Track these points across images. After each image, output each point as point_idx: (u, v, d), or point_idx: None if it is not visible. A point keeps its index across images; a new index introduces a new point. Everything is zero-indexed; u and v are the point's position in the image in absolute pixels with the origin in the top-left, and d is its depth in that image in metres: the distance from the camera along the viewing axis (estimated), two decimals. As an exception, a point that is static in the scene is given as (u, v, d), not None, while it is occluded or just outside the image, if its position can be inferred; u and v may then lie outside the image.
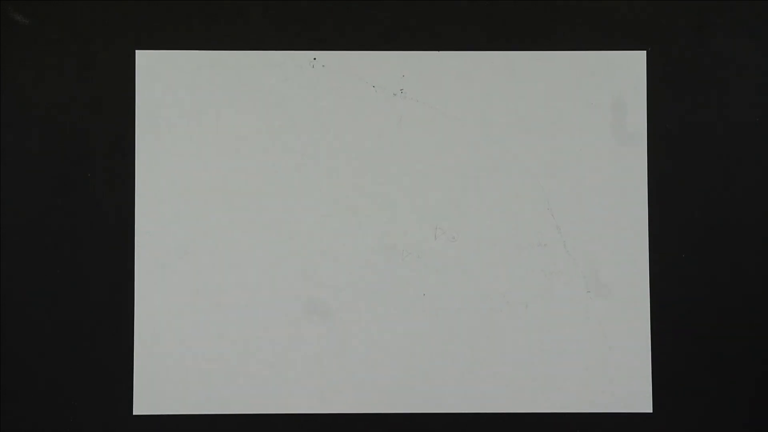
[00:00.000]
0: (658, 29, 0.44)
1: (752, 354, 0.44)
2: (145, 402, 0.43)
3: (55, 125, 0.44)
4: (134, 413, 0.43)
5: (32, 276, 0.44)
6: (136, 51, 0.44)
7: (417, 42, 0.44)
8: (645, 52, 0.44)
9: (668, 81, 0.44)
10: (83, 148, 0.44)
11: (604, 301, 0.43)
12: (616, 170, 0.44)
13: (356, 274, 0.44)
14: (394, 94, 0.44)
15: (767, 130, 0.44)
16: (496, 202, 0.44)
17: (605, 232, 0.44)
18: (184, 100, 0.44)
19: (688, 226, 0.44)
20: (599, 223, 0.44)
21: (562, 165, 0.44)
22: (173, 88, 0.44)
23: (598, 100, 0.44)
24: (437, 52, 0.44)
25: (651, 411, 0.43)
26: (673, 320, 0.43)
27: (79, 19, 0.44)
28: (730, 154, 0.44)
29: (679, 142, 0.44)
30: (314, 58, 0.44)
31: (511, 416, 0.43)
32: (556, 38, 0.44)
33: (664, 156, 0.44)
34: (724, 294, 0.44)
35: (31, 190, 0.44)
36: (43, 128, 0.44)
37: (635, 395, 0.43)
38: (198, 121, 0.44)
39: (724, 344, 0.44)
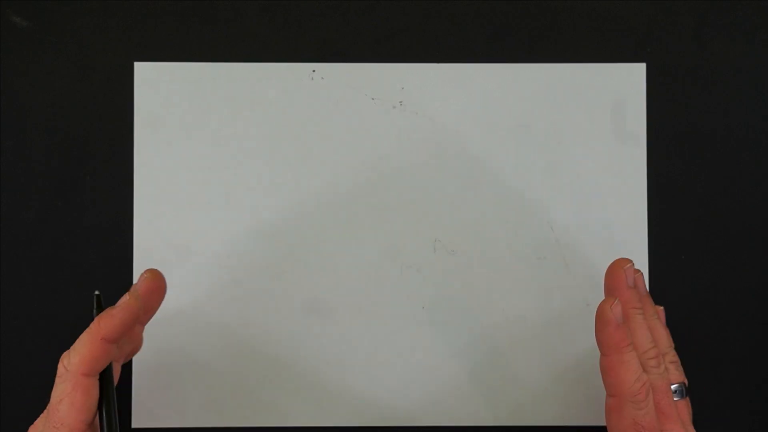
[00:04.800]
0: (656, 32, 0.44)
1: (752, 357, 0.44)
2: (144, 414, 0.43)
3: (54, 129, 0.44)
4: (133, 426, 0.43)
5: (32, 278, 0.44)
6: (135, 63, 0.44)
7: (416, 54, 0.44)
8: (644, 64, 0.44)
9: (667, 85, 0.44)
10: (82, 152, 0.44)
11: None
12: (617, 183, 0.44)
13: (355, 286, 0.43)
14: (394, 107, 0.44)
15: (766, 131, 0.44)
16: (495, 215, 0.44)
17: (604, 246, 0.44)
18: (182, 112, 0.44)
19: (687, 240, 0.44)
20: (598, 237, 0.44)
21: (561, 178, 0.44)
22: (172, 100, 0.44)
23: (597, 114, 0.44)
24: (437, 64, 0.44)
25: (650, 424, 0.43)
26: (673, 330, 0.43)
27: (79, 29, 0.44)
28: (729, 157, 0.44)
29: (677, 149, 0.44)
30: (313, 71, 0.44)
31: (509, 429, 0.43)
32: (555, 50, 0.44)
33: (663, 164, 0.44)
34: (724, 301, 0.44)
35: (31, 193, 0.44)
36: (42, 132, 0.44)
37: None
38: (197, 133, 0.44)
39: (724, 350, 0.44)
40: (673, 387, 0.37)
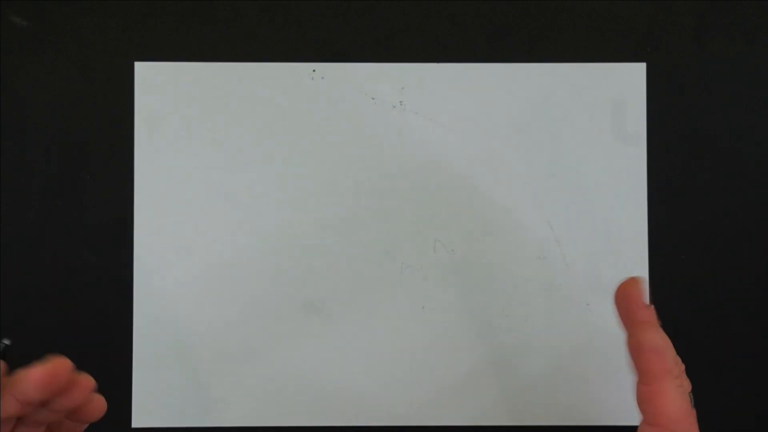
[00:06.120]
0: (656, 32, 0.44)
1: (753, 357, 0.44)
2: (144, 414, 0.43)
3: (54, 129, 0.44)
4: (133, 426, 0.43)
5: (32, 278, 0.44)
6: (135, 62, 0.44)
7: (416, 54, 0.44)
8: (644, 64, 0.44)
9: (667, 85, 0.44)
10: (82, 152, 0.44)
11: (604, 314, 0.43)
12: (617, 183, 0.44)
13: (355, 286, 0.43)
14: (394, 107, 0.44)
15: (766, 131, 0.44)
16: (495, 214, 0.44)
17: (604, 246, 0.44)
18: (182, 112, 0.44)
19: (688, 237, 0.44)
20: (598, 237, 0.44)
21: (561, 178, 0.44)
22: (172, 100, 0.44)
23: (597, 114, 0.44)
24: (437, 64, 0.44)
25: (650, 424, 0.43)
26: (673, 331, 0.43)
27: (79, 29, 0.44)
28: (729, 157, 0.44)
29: (677, 149, 0.44)
30: (314, 70, 0.44)
31: (509, 429, 0.43)
32: (555, 50, 0.44)
33: (663, 164, 0.44)
34: (723, 301, 0.44)
35: (31, 193, 0.44)
36: (42, 132, 0.44)
37: (635, 408, 0.43)
38: (197, 133, 0.44)
39: (724, 350, 0.44)
40: None
